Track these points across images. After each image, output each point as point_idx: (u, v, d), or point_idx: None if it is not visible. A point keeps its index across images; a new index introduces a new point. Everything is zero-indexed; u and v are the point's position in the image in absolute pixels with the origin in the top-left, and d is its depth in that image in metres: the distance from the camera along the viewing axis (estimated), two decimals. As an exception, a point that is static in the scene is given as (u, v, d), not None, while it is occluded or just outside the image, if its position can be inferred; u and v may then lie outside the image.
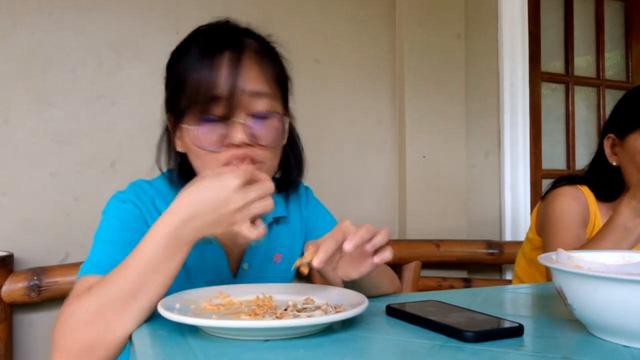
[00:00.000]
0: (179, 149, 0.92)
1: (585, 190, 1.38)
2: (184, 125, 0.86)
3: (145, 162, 1.74)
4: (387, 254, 0.76)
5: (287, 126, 0.89)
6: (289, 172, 1.01)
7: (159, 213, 0.91)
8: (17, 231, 1.63)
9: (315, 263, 0.71)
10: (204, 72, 0.83)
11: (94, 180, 1.71)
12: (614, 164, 1.34)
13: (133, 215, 0.89)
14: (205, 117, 0.83)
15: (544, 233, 1.39)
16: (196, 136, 0.84)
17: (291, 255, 1.03)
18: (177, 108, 0.87)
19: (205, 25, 0.93)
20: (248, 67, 0.84)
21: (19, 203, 1.63)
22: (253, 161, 0.84)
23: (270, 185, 0.75)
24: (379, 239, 0.75)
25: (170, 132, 0.94)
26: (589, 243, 1.17)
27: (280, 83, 0.91)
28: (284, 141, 0.92)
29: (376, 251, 0.76)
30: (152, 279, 0.71)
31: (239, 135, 0.82)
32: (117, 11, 1.75)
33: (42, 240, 1.65)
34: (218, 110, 0.83)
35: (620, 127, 1.33)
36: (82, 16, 1.72)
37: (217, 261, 0.94)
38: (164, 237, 0.72)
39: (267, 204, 0.74)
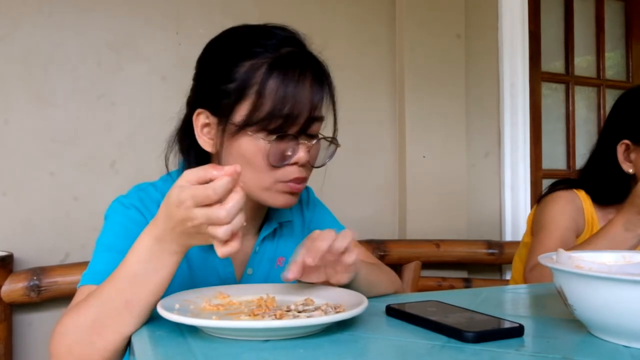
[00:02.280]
0: (208, 147, 0.89)
1: (581, 195, 1.36)
2: (254, 135, 0.83)
3: (145, 162, 1.75)
4: (347, 258, 0.75)
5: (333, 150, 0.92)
6: None
7: None
8: (17, 231, 1.62)
9: (291, 276, 0.73)
10: (289, 89, 0.82)
11: (94, 180, 1.71)
12: (630, 171, 1.28)
13: (136, 222, 0.87)
14: (280, 133, 0.83)
15: (534, 236, 1.38)
16: (266, 150, 0.82)
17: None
18: (236, 113, 0.84)
19: (253, 26, 0.91)
20: (322, 92, 0.87)
21: (19, 203, 1.63)
22: (304, 181, 0.88)
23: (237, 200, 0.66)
24: (337, 245, 0.74)
25: (189, 127, 0.90)
26: (576, 247, 1.16)
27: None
28: None
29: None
30: (141, 290, 0.70)
31: (303, 155, 0.84)
32: (117, 11, 1.75)
33: (42, 240, 1.65)
34: (293, 129, 0.83)
35: (637, 132, 1.27)
36: (82, 16, 1.72)
37: (222, 266, 0.93)
38: (147, 248, 0.70)
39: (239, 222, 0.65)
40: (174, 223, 0.66)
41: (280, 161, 0.84)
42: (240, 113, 0.83)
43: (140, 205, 0.88)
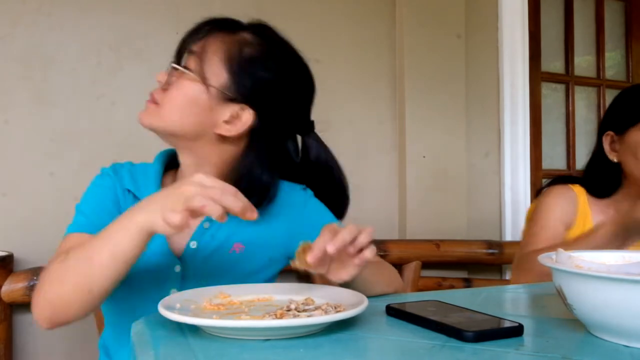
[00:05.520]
0: None
1: (577, 190, 1.40)
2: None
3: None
4: (366, 254, 0.76)
5: (199, 93, 0.96)
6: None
7: (121, 184, 1.03)
8: (17, 231, 1.63)
9: (310, 259, 0.72)
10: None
11: (94, 180, 1.71)
12: (615, 160, 1.35)
13: (104, 186, 1.03)
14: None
15: (525, 227, 1.44)
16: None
17: (254, 250, 0.98)
18: None
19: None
20: (208, 33, 1.02)
21: (19, 203, 1.63)
22: (154, 101, 0.99)
23: (230, 194, 0.72)
24: (361, 240, 0.75)
25: None
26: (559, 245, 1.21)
27: (240, 70, 0.98)
28: (185, 103, 0.98)
29: (359, 252, 0.76)
30: (101, 246, 0.79)
31: (160, 76, 0.99)
32: (117, 11, 1.75)
33: (42, 240, 1.65)
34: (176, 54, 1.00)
35: (619, 123, 1.35)
36: (82, 16, 1.72)
37: (158, 243, 0.93)
38: (120, 217, 0.79)
39: (213, 208, 0.69)
40: (162, 193, 0.77)
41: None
42: None
43: (111, 172, 1.04)
